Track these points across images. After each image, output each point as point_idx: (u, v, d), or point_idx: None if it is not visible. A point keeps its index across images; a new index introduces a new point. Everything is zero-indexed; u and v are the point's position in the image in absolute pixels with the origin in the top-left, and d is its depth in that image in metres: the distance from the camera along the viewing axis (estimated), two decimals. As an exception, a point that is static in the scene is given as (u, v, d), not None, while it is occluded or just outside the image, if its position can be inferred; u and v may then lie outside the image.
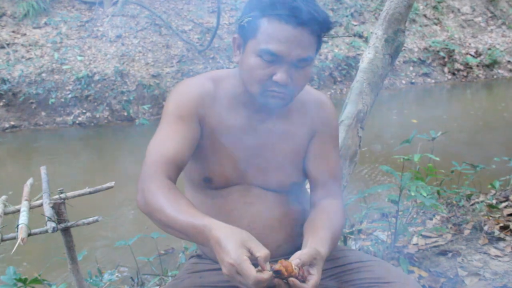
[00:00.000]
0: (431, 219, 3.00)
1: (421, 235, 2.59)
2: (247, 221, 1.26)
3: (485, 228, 2.59)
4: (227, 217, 1.26)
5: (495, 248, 2.38)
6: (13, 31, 7.91)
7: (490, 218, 2.77)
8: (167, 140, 1.18)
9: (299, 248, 1.31)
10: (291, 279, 0.99)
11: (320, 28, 1.13)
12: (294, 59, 1.11)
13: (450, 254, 2.33)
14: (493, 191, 3.42)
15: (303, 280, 1.02)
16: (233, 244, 0.95)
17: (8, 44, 7.65)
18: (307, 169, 1.33)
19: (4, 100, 7.08)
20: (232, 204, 1.28)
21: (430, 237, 2.59)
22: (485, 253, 2.33)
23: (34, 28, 8.09)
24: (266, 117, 1.27)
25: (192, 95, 1.22)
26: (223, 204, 1.28)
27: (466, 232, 2.61)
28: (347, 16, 10.45)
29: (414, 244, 2.48)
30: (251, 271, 0.92)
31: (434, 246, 2.46)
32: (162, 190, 1.09)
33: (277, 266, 0.98)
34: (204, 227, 0.99)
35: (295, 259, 1.03)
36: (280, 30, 1.09)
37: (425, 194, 2.23)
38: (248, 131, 1.26)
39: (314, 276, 1.03)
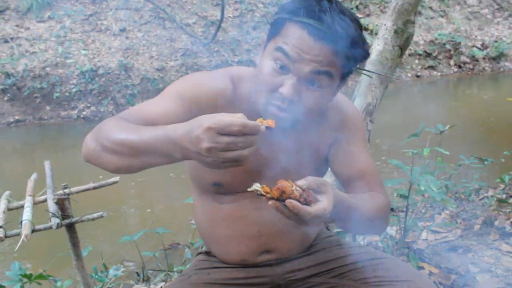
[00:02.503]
0: (439, 213, 2.96)
1: (431, 230, 2.55)
2: (257, 227, 1.21)
3: (496, 223, 2.55)
4: (237, 223, 1.22)
5: (507, 243, 2.33)
6: (17, 25, 7.88)
7: (501, 213, 2.73)
8: (152, 105, 1.07)
9: (311, 252, 1.26)
10: (289, 200, 0.85)
11: (346, 49, 1.00)
12: (305, 71, 1.01)
13: (460, 250, 2.29)
14: (502, 186, 3.37)
15: (308, 204, 0.88)
16: (206, 116, 0.83)
17: (12, 38, 7.63)
18: (335, 175, 1.24)
19: (8, 95, 7.07)
20: (242, 210, 1.21)
21: (439, 232, 2.56)
22: (496, 248, 2.29)
23: (38, 22, 8.06)
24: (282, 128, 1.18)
25: (206, 88, 1.12)
26: (232, 210, 1.22)
27: (476, 227, 2.58)
28: (352, 9, 10.36)
29: (423, 240, 2.44)
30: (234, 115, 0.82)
31: (444, 242, 2.42)
32: (119, 120, 0.97)
33: (274, 188, 0.86)
34: (167, 130, 0.86)
35: (300, 181, 0.91)
36: (300, 36, 1.00)
37: (435, 189, 2.19)
38: (262, 141, 1.18)
39: (323, 202, 0.90)
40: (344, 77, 1.09)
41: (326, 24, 0.98)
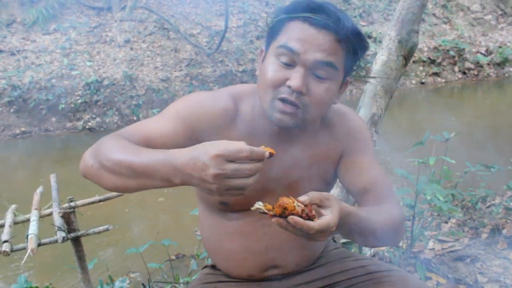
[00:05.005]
0: (446, 222, 2.94)
1: (438, 239, 2.53)
2: (264, 243, 1.20)
3: (504, 231, 2.53)
4: (244, 239, 1.21)
5: (515, 252, 2.31)
6: (23, 38, 7.96)
7: (508, 221, 2.71)
8: (152, 124, 1.08)
9: (318, 265, 1.23)
10: (291, 217, 0.86)
11: (347, 36, 1.02)
12: (311, 60, 1.01)
13: (468, 260, 2.27)
14: (509, 193, 3.35)
15: (311, 219, 0.88)
16: (210, 143, 0.85)
17: (18, 51, 7.70)
18: (346, 188, 1.23)
19: (14, 107, 7.12)
20: (250, 226, 1.19)
21: (446, 241, 2.53)
22: (504, 258, 2.27)
23: (44, 34, 8.14)
24: (288, 143, 1.16)
25: (207, 108, 1.11)
26: (240, 226, 1.21)
27: (484, 236, 2.55)
28: (355, 17, 10.39)
29: (430, 249, 2.42)
30: (242, 144, 0.83)
31: (451, 251, 2.40)
32: (118, 139, 0.99)
33: (276, 205, 0.87)
34: (168, 155, 0.87)
35: (302, 196, 0.91)
36: (301, 29, 1.02)
37: (441, 198, 2.17)
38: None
39: (326, 216, 0.90)
40: (346, 73, 1.10)
41: (326, 14, 1.01)
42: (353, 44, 1.05)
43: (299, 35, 1.02)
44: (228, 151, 0.82)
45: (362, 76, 1.31)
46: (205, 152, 0.83)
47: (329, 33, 1.02)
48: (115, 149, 0.95)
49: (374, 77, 1.82)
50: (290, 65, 1.03)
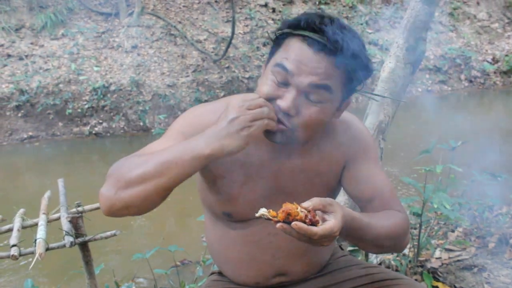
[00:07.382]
0: (453, 231, 2.92)
1: (444, 248, 2.52)
2: (271, 252, 1.20)
3: (511, 241, 2.51)
4: (250, 248, 1.21)
5: (523, 262, 2.30)
6: (32, 43, 8.02)
7: (515, 230, 2.69)
8: (155, 144, 1.10)
9: (325, 273, 1.25)
10: (294, 223, 0.87)
11: (346, 60, 0.99)
12: (304, 83, 1.00)
13: (475, 269, 2.26)
14: (516, 202, 3.32)
15: (315, 224, 0.89)
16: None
17: (26, 56, 7.76)
18: (351, 196, 1.23)
19: (22, 111, 7.17)
20: (255, 235, 1.19)
21: (453, 250, 2.52)
22: (512, 268, 2.26)
23: (52, 39, 8.20)
24: (289, 153, 1.15)
25: (206, 121, 1.09)
26: (245, 235, 1.20)
27: (491, 245, 2.53)
28: (361, 24, 10.40)
29: (437, 258, 2.41)
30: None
31: (458, 260, 2.39)
32: (129, 157, 1.05)
33: (279, 211, 0.88)
34: (193, 138, 0.99)
35: (306, 202, 0.92)
36: (299, 49, 1.01)
37: (448, 206, 2.17)
38: (269, 168, 1.15)
39: (330, 221, 0.91)
40: (346, 94, 1.08)
41: (326, 36, 0.98)
42: (354, 68, 1.02)
43: (295, 55, 1.01)
44: (243, 98, 1.01)
45: (368, 93, 1.29)
46: (227, 105, 1.01)
47: (326, 56, 0.99)
48: (135, 161, 1.00)
49: (381, 96, 1.82)
50: (284, 84, 1.02)
